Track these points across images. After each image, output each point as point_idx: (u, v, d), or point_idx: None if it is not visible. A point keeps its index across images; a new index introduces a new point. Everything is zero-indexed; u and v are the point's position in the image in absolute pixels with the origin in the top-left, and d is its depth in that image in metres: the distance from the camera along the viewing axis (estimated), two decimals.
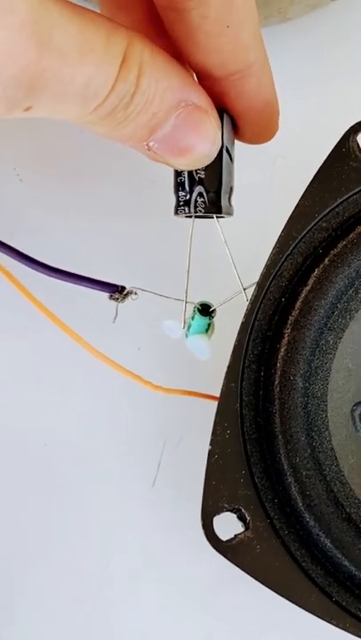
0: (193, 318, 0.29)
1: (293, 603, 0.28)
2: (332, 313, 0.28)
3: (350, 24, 0.42)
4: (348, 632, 0.29)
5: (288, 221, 0.28)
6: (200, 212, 0.27)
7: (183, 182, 0.27)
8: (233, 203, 0.29)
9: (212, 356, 0.30)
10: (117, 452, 0.39)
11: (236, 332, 0.28)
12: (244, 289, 0.29)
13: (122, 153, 0.36)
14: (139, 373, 0.32)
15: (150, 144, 0.24)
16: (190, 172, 0.27)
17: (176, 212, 0.28)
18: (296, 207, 0.28)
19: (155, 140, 0.24)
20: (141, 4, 0.28)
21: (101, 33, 0.21)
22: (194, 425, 0.35)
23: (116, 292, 0.30)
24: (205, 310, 0.29)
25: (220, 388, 0.29)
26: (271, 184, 0.39)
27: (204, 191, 0.27)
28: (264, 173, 0.39)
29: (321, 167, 0.28)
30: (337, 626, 0.29)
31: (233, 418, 0.29)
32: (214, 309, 0.29)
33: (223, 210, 0.28)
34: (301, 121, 0.39)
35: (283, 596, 0.28)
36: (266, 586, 0.28)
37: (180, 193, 0.27)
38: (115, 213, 0.39)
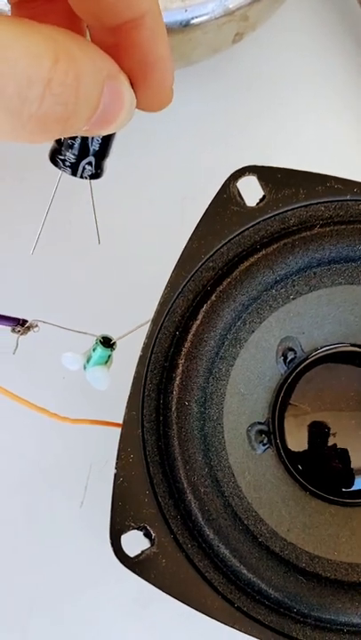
0: (94, 350, 0.31)
1: (198, 610, 0.31)
2: (223, 343, 0.31)
3: (252, 64, 0.45)
4: (251, 635, 0.31)
5: (178, 262, 0.31)
6: (85, 177, 0.28)
7: (74, 146, 0.27)
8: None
9: (119, 386, 0.32)
10: (46, 479, 0.41)
11: (135, 363, 0.31)
12: (142, 325, 0.31)
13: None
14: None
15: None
16: (86, 142, 0.27)
17: (55, 164, 0.28)
18: (185, 249, 0.31)
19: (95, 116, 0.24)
20: None
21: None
22: None
23: (18, 324, 0.32)
24: (107, 342, 0.32)
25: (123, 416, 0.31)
26: (182, 224, 0.41)
27: (94, 160, 0.28)
28: (174, 213, 0.41)
29: (206, 212, 0.31)
30: (240, 630, 0.31)
31: (136, 443, 0.31)
32: (115, 342, 0.32)
33: (102, 175, 0.28)
34: (207, 161, 0.41)
35: (188, 604, 0.31)
36: (172, 596, 0.31)
37: (68, 154, 0.28)
38: (20, 246, 0.41)
